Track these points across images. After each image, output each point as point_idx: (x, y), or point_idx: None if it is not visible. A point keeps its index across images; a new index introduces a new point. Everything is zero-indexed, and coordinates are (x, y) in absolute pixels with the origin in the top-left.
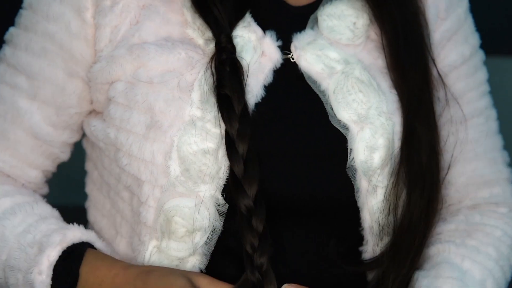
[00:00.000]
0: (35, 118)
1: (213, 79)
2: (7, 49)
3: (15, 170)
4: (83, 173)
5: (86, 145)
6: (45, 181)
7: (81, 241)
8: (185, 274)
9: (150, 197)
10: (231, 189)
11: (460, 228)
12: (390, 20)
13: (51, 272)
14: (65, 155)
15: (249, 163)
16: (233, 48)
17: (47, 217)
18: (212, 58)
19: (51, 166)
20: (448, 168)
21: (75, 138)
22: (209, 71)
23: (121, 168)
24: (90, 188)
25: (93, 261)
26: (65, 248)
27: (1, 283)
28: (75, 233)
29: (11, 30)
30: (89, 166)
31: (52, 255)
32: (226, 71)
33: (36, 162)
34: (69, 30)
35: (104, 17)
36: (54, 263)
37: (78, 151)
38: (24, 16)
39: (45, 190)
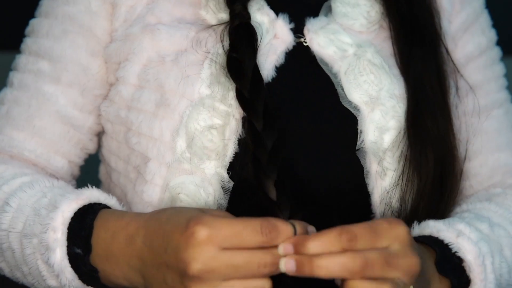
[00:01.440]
0: (60, 102)
1: (222, 46)
2: (28, 39)
3: (42, 159)
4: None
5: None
6: (71, 173)
7: (99, 201)
8: (199, 209)
9: (156, 175)
10: (248, 142)
11: (480, 198)
12: (398, 8)
13: (66, 230)
14: (92, 145)
15: (268, 117)
16: (248, 15)
17: (66, 186)
18: (226, 26)
19: (78, 157)
20: (465, 159)
21: (100, 125)
22: (219, 50)
23: (130, 148)
24: (104, 177)
25: (104, 215)
26: (81, 206)
27: (19, 261)
28: (93, 192)
29: (32, 21)
30: (100, 154)
31: (67, 210)
32: (239, 35)
33: (63, 150)
34: (90, 10)
35: None
36: (69, 220)
37: None
38: (44, 4)
39: (73, 183)
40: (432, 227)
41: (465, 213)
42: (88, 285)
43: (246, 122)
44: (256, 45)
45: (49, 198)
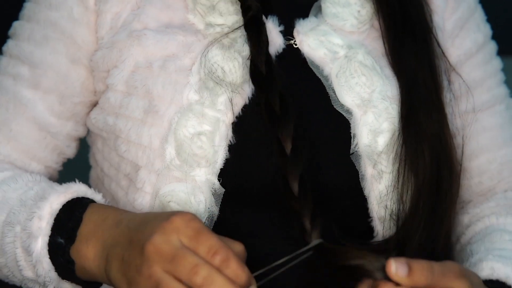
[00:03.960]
0: (38, 108)
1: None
2: (10, 42)
3: (16, 163)
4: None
5: (88, 140)
6: (49, 178)
7: (86, 195)
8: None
9: (146, 183)
10: (267, 122)
11: (500, 203)
12: (388, 4)
13: (52, 220)
14: (70, 150)
15: (285, 98)
16: (258, 6)
17: (50, 182)
18: (226, 34)
19: (55, 162)
20: (462, 155)
21: (80, 131)
22: (208, 54)
23: (120, 156)
24: (95, 183)
25: (94, 208)
26: (69, 199)
27: None
28: (80, 187)
29: (15, 23)
30: (92, 160)
31: (56, 202)
32: (254, 38)
33: (39, 156)
34: (72, 17)
35: (105, 3)
36: (57, 211)
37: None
38: (27, 8)
39: None
40: (499, 271)
41: (506, 234)
42: (63, 278)
43: (263, 105)
44: (267, 45)
45: (36, 191)
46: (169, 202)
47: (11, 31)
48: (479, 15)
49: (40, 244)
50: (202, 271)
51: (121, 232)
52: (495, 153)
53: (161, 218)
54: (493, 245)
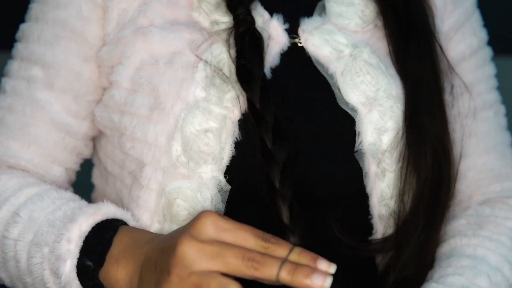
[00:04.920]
0: (54, 109)
1: (228, 52)
2: (19, 45)
3: (39, 168)
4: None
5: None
6: (68, 181)
7: (115, 216)
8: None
9: (152, 180)
10: (261, 158)
11: (470, 221)
12: (393, 6)
13: (81, 243)
14: (88, 150)
15: (278, 130)
16: (252, 20)
17: (77, 200)
18: (230, 32)
19: (74, 163)
20: (460, 158)
21: (95, 130)
22: (214, 51)
23: (125, 153)
24: (99, 181)
25: (128, 229)
26: (98, 221)
27: (23, 271)
28: (110, 208)
29: (22, 26)
30: (95, 158)
31: (85, 224)
32: (246, 41)
33: (60, 158)
34: (81, 15)
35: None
36: (86, 233)
37: None
38: (34, 8)
39: (70, 190)
40: None
41: (462, 259)
42: None
43: (258, 137)
44: (263, 52)
45: (64, 211)
46: (175, 199)
47: (18, 34)
48: (476, 19)
49: (69, 267)
50: (255, 256)
51: (155, 247)
52: (475, 160)
53: (188, 223)
54: (447, 270)
